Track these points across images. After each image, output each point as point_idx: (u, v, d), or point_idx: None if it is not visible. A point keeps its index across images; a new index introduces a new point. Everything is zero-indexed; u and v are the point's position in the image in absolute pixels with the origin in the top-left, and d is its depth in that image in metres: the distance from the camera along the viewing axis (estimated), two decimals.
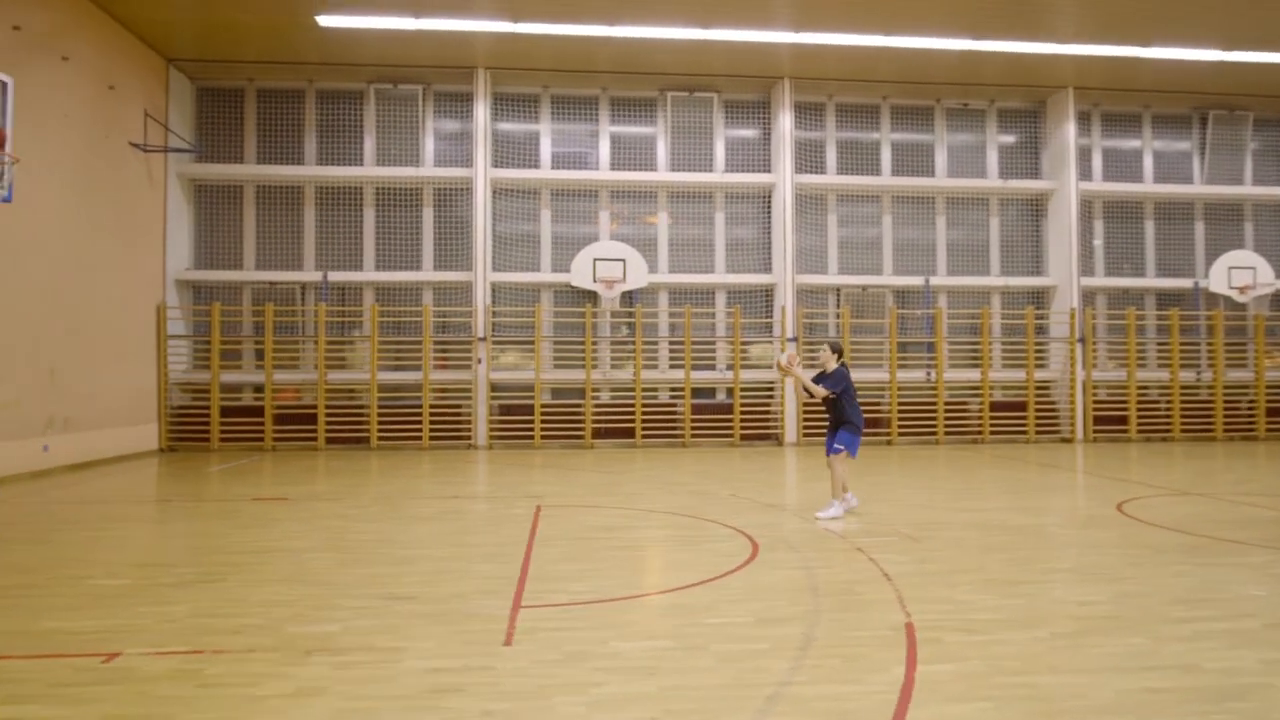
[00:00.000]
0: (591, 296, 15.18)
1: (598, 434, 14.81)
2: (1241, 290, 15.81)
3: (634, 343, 14.97)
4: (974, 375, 15.64)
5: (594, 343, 15.08)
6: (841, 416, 7.64)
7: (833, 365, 7.69)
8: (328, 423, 14.37)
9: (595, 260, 14.71)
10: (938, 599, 4.83)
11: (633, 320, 15.14)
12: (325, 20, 12.75)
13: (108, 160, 12.50)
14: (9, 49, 10.25)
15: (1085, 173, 16.35)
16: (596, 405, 14.98)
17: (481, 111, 14.90)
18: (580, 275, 14.69)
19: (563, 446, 14.61)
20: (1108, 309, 16.55)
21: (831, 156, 16.13)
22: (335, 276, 15.07)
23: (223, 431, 14.21)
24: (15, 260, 10.44)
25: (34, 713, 3.25)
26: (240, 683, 3.56)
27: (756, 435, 15.12)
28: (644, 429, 14.84)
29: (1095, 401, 15.80)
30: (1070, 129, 15.81)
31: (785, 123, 15.35)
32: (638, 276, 14.79)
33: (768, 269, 15.74)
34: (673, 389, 15.27)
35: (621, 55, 14.30)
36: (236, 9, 12.48)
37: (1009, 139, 16.63)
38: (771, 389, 15.37)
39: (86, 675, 3.65)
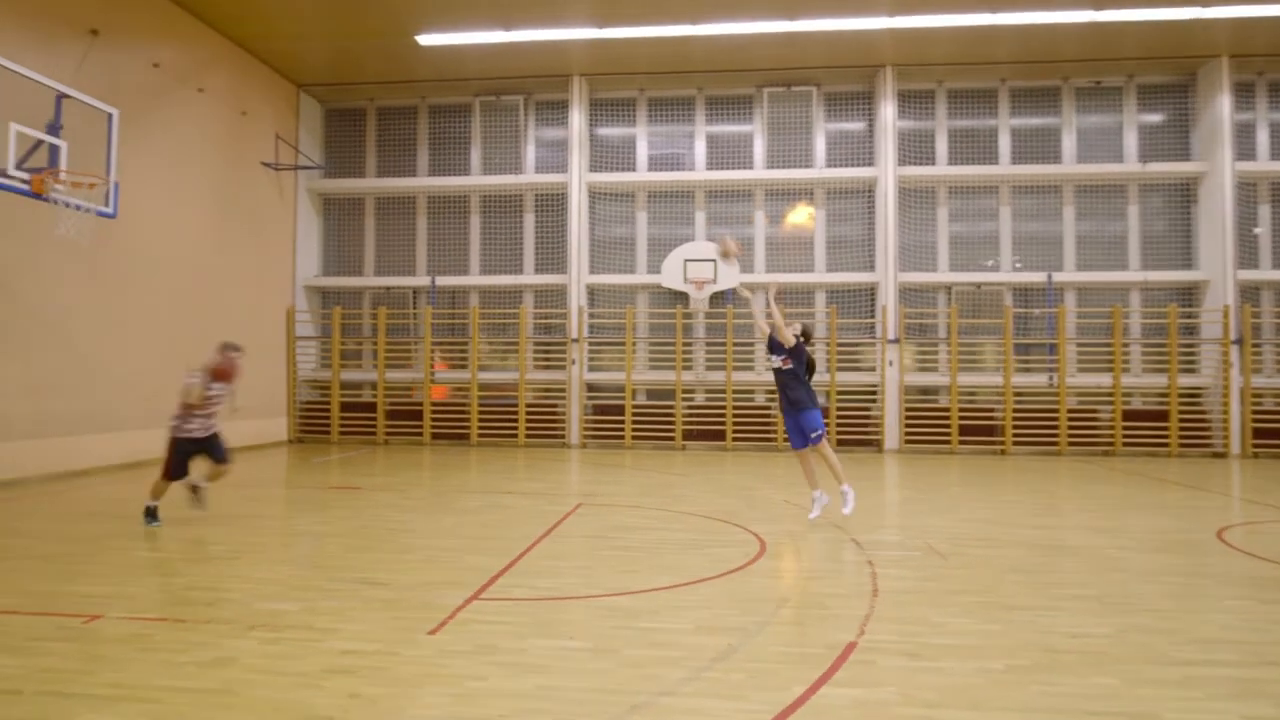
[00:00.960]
0: (685, 298, 15.12)
1: (689, 436, 14.73)
2: None
3: (725, 344, 14.77)
4: (1105, 380, 14.16)
5: (687, 344, 15.02)
6: (798, 399, 7.17)
7: (792, 342, 7.17)
8: (433, 419, 15.22)
9: (686, 261, 14.65)
10: (909, 619, 4.44)
11: (725, 321, 14.93)
12: (424, 39, 13.54)
13: (241, 179, 13.91)
14: (150, 84, 11.65)
15: (1245, 152, 14.37)
16: (690, 407, 14.90)
17: (576, 118, 15.24)
18: (670, 276, 14.68)
19: (654, 448, 14.65)
20: (1274, 306, 14.46)
21: (942, 146, 15.16)
22: (443, 281, 15.92)
23: (342, 425, 15.40)
24: (158, 269, 11.83)
25: None
26: (171, 649, 3.87)
27: (854, 441, 14.47)
28: (735, 432, 14.59)
29: (1256, 411, 13.84)
30: (1225, 103, 13.97)
31: (888, 113, 14.61)
32: (728, 277, 14.58)
33: (869, 267, 15.03)
34: (768, 392, 14.91)
35: (716, 53, 14.17)
36: (351, 37, 13.51)
37: (1151, 118, 14.93)
38: (874, 393, 14.66)
39: (59, 632, 4.10)
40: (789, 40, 13.53)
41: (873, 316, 14.83)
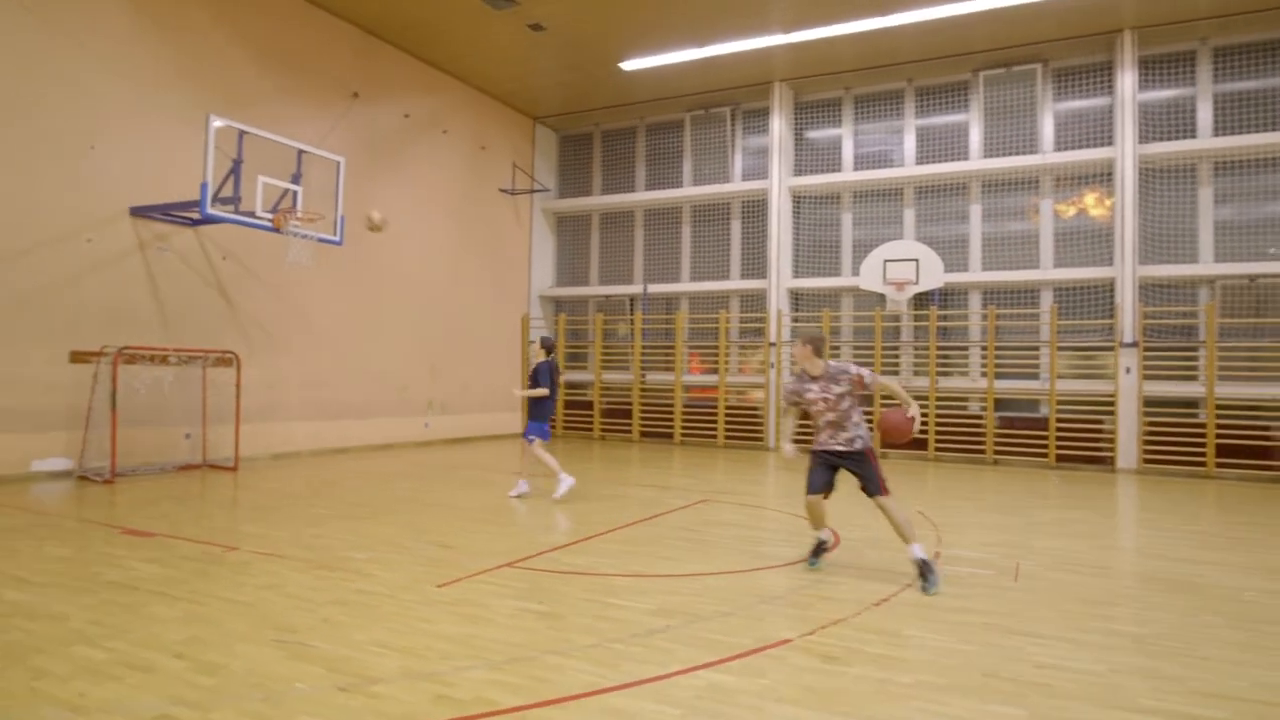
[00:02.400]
0: (888, 301, 14.50)
1: (884, 444, 14.11)
2: None
3: (929, 348, 13.92)
4: None
5: (891, 348, 14.40)
6: (531, 410, 8.54)
7: (542, 358, 8.50)
8: (641, 418, 16.26)
9: (886, 262, 14.08)
10: (883, 631, 4.28)
11: (938, 324, 14.06)
12: (626, 65, 14.63)
13: (481, 204, 16.11)
14: (401, 131, 14.06)
15: None
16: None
17: (777, 124, 15.37)
18: (869, 278, 14.20)
19: None
20: None
21: (1205, 115, 12.85)
22: (655, 288, 16.93)
23: (566, 421, 17.07)
24: (407, 284, 14.23)
25: (127, 564, 5.15)
26: (249, 574, 5.06)
27: (1080, 458, 12.82)
28: (939, 441, 13.68)
29: None
30: None
31: (1126, 84, 12.78)
32: (932, 277, 13.74)
33: (1105, 261, 13.23)
34: (985, 400, 13.78)
35: (928, 40, 13.37)
36: (571, 70, 14.99)
37: None
38: (1111, 403, 12.85)
39: (194, 555, 5.53)
40: (1011, 15, 12.44)
41: (1107, 317, 13.03)
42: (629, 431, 16.34)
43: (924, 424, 13.77)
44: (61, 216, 9.30)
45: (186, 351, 10.03)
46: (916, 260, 13.84)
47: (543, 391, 8.47)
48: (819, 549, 5.72)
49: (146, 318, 10.17)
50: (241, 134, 9.35)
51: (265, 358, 11.73)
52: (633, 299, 17.28)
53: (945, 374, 14.08)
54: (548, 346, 8.66)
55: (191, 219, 10.25)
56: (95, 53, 9.55)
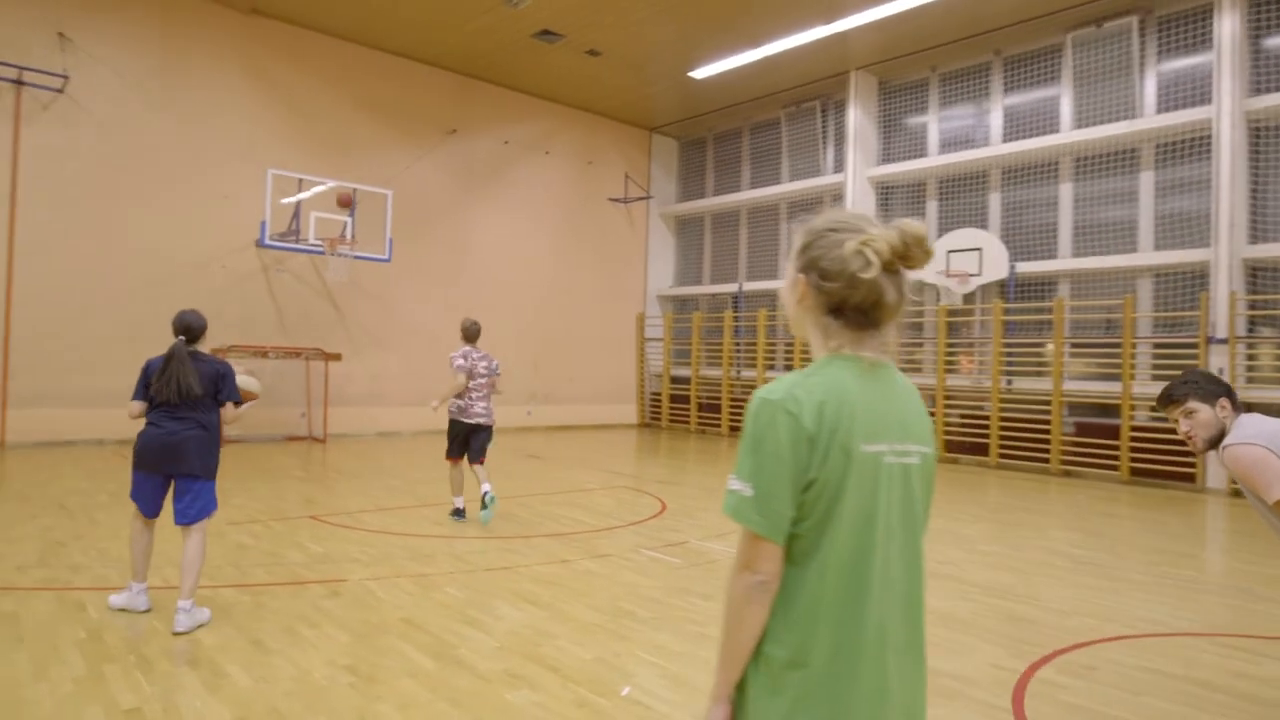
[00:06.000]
0: (976, 294, 13.41)
1: (950, 448, 13.14)
2: None
3: (991, 344, 12.71)
4: None
5: (952, 345, 13.37)
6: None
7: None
8: (731, 414, 16.72)
9: (949, 252, 13.11)
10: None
11: (1007, 317, 12.80)
12: (695, 74, 15.25)
13: (587, 214, 17.72)
14: (499, 156, 16.18)
15: None
16: (961, 416, 13.26)
17: (853, 113, 14.91)
18: (933, 270, 13.30)
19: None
20: None
21: None
22: (749, 287, 17.23)
23: (671, 413, 18.07)
24: (506, 289, 16.34)
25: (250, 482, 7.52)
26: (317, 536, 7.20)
27: (1159, 473, 10.97)
28: (1001, 448, 12.47)
29: None
30: None
31: (1225, 30, 10.63)
32: (996, 267, 12.55)
33: (1204, 242, 11.09)
34: (1053, 403, 12.30)
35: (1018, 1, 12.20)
36: (653, 85, 16.02)
37: None
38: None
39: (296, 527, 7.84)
40: None
41: (1195, 309, 10.94)
42: (719, 426, 16.90)
43: (986, 428, 12.70)
44: (205, 249, 12.68)
45: (282, 349, 13.00)
46: (980, 250, 12.74)
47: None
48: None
49: (269, 323, 13.34)
50: (300, 180, 11.99)
51: (369, 353, 14.49)
52: (736, 297, 17.73)
53: (1015, 373, 12.76)
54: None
55: (304, 247, 13.22)
56: (226, 125, 12.82)
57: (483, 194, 15.99)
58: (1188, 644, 4.62)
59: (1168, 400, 3.10)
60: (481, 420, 7.37)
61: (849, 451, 1.45)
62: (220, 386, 4.49)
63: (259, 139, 13.13)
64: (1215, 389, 3.02)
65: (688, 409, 17.66)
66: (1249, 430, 2.89)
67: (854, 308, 1.52)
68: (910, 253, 1.48)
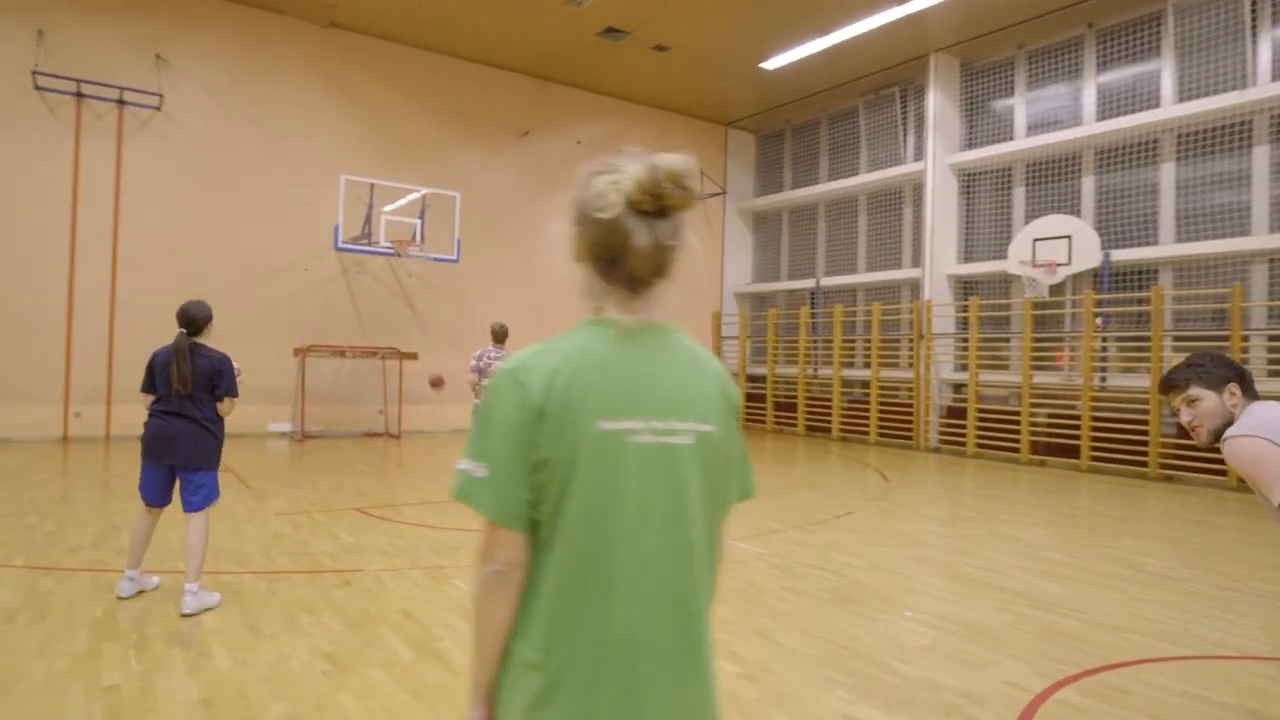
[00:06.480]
0: (1072, 285, 12.52)
1: (1037, 450, 12.30)
2: None
3: (1082, 338, 11.79)
4: None
5: (1046, 340, 12.49)
6: None
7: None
8: (807, 412, 16.24)
9: (1035, 241, 12.28)
10: None
11: (1100, 310, 11.87)
12: (767, 65, 14.89)
13: None
14: (571, 157, 16.27)
15: None
16: (1049, 415, 12.39)
17: (931, 99, 14.19)
18: (1018, 260, 12.50)
19: (999, 459, 12.71)
20: None
21: None
22: (826, 282, 16.69)
23: (747, 413, 17.72)
24: (571, 287, 16.40)
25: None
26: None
27: None
28: (1093, 448, 11.56)
29: None
30: None
31: None
32: (1086, 255, 11.65)
33: None
34: (1149, 403, 11.31)
35: None
36: (725, 79, 15.77)
37: None
38: None
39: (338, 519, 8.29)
40: None
41: None
42: (794, 425, 16.45)
43: (1076, 429, 11.82)
44: (289, 253, 13.34)
45: (359, 348, 13.50)
46: (1069, 237, 11.88)
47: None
48: None
49: (349, 324, 13.90)
50: (372, 185, 12.43)
51: (445, 352, 14.83)
52: (813, 293, 17.23)
53: (1110, 369, 11.82)
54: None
55: (380, 250, 13.71)
56: (306, 134, 13.44)
57: (556, 195, 16.13)
58: (1247, 668, 4.09)
59: (1168, 386, 2.72)
60: None
61: (582, 428, 1.29)
62: (218, 381, 4.63)
63: (337, 147, 13.69)
64: (1223, 373, 2.63)
65: (764, 408, 17.27)
66: (1254, 420, 2.49)
67: (608, 259, 1.37)
68: (662, 190, 1.32)
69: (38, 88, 11.32)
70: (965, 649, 4.23)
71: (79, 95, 11.60)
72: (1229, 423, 2.58)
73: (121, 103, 11.88)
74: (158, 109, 12.15)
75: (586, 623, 1.28)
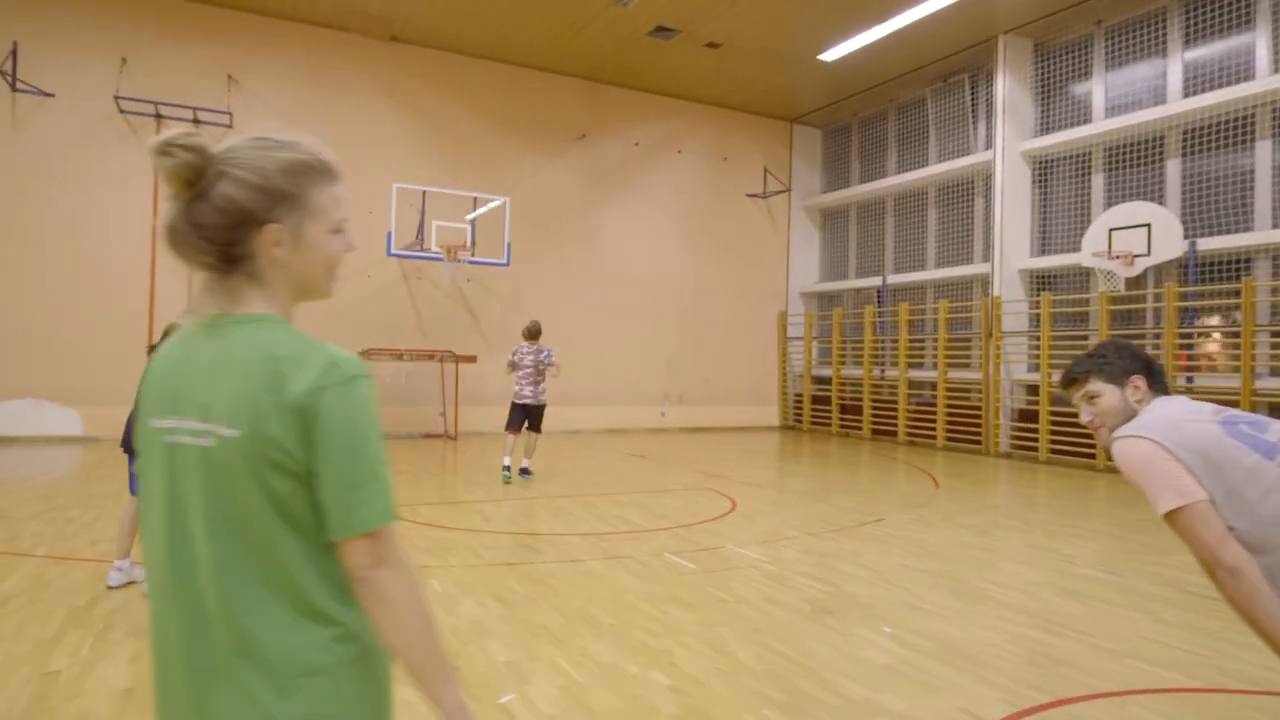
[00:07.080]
0: (1139, 279, 11.55)
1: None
2: None
3: (1165, 334, 10.81)
4: None
5: (1128, 336, 11.53)
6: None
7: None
8: (872, 415, 15.61)
9: (1110, 231, 11.37)
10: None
11: (1184, 304, 10.87)
12: (825, 56, 14.42)
13: (722, 212, 17.33)
14: (630, 158, 16.27)
15: None
16: None
17: (1001, 84, 13.38)
18: (1091, 252, 11.61)
19: (1075, 466, 11.83)
20: None
21: None
22: (893, 280, 16.00)
23: (813, 415, 17.21)
24: (638, 290, 16.37)
25: None
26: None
27: None
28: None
29: None
30: None
31: None
32: (1168, 245, 10.69)
33: None
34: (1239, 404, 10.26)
35: None
36: (785, 74, 15.38)
37: None
38: None
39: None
40: None
41: None
42: (859, 427, 15.84)
43: None
44: (352, 260, 13.80)
45: (416, 351, 13.87)
46: (1149, 226, 10.94)
47: None
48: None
49: (410, 328, 14.32)
50: (424, 193, 12.76)
51: (503, 355, 15.04)
52: (880, 291, 16.56)
53: (1195, 368, 10.80)
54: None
55: (427, 254, 14.06)
56: (367, 145, 13.93)
57: (613, 196, 16.16)
58: (1254, 703, 3.59)
59: (1068, 380, 2.38)
60: (528, 401, 9.17)
61: (142, 424, 1.28)
62: None
63: (398, 156, 14.13)
64: (1127, 364, 2.27)
65: (829, 410, 16.72)
66: (1144, 418, 2.15)
67: None
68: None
69: (121, 111, 12.19)
70: (932, 670, 3.90)
71: (158, 116, 12.42)
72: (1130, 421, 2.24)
73: (196, 121, 12.63)
74: (229, 126, 12.85)
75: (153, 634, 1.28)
